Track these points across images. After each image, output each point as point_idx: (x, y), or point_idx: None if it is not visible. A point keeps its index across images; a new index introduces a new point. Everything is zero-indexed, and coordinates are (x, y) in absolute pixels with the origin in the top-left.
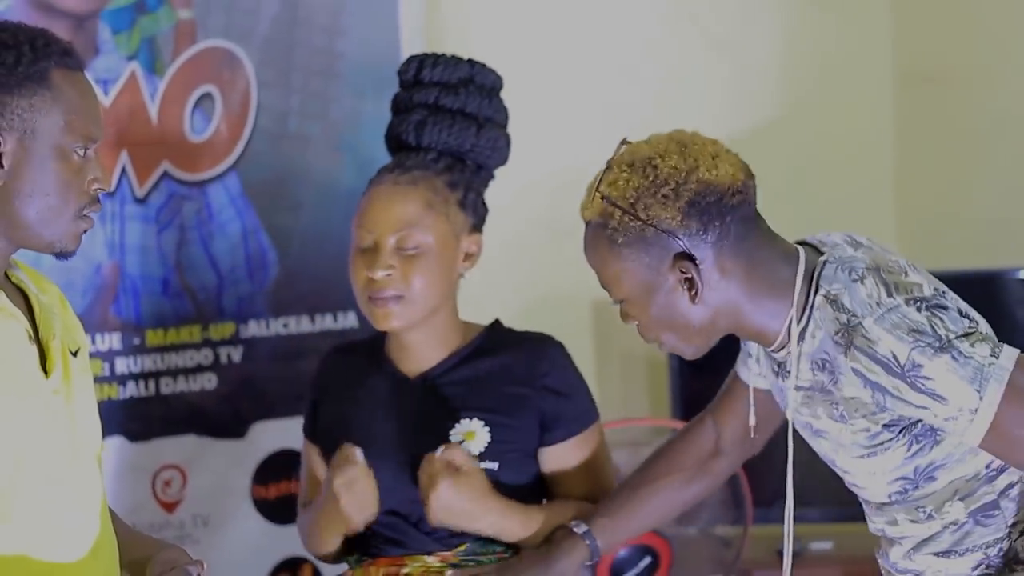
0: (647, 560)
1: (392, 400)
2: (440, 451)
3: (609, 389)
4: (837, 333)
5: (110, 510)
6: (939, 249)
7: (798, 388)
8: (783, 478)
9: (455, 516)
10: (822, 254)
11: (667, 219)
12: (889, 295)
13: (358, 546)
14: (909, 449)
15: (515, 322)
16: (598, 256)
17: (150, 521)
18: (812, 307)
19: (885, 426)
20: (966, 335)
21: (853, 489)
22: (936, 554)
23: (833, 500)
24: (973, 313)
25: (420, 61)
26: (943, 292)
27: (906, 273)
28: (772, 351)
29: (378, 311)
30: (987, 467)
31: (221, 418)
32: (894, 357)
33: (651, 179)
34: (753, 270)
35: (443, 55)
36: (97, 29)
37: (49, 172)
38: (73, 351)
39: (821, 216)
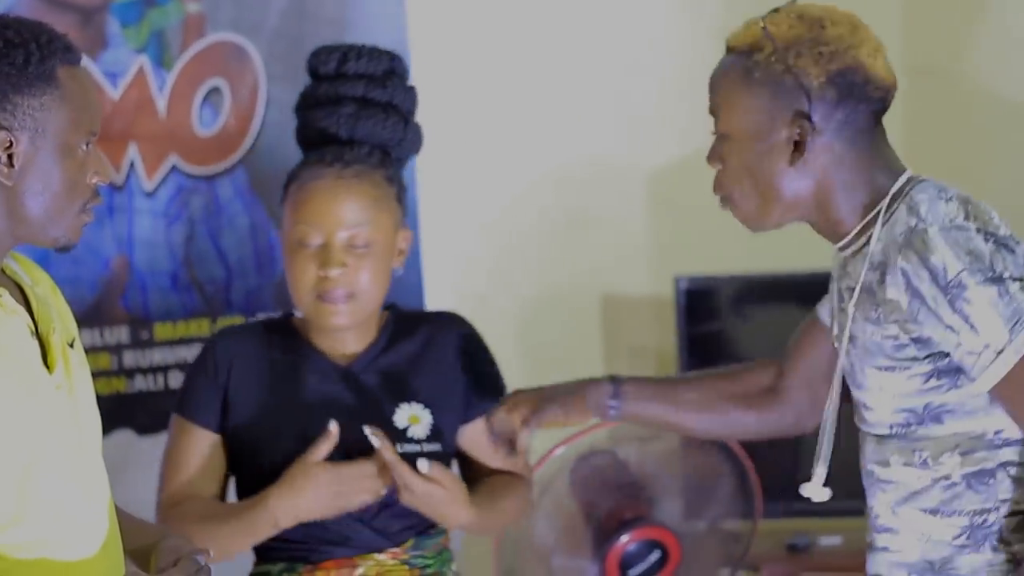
0: (656, 554)
1: (326, 390)
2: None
3: None
4: (901, 234)
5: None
6: None
7: (848, 288)
8: (793, 472)
9: (432, 511)
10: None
11: (810, 76)
12: (965, 219)
13: (281, 553)
14: (926, 381)
15: (525, 316)
16: (726, 82)
17: None
18: (893, 212)
19: (913, 340)
20: (1020, 280)
21: (860, 416)
22: (923, 510)
23: (842, 494)
24: None
25: (343, 53)
26: (1019, 241)
27: (992, 217)
28: (839, 247)
29: (329, 310)
30: (995, 433)
31: None
32: (944, 269)
33: (815, 35)
34: (860, 164)
35: (363, 46)
36: (106, 22)
37: (57, 169)
38: (69, 343)
39: None
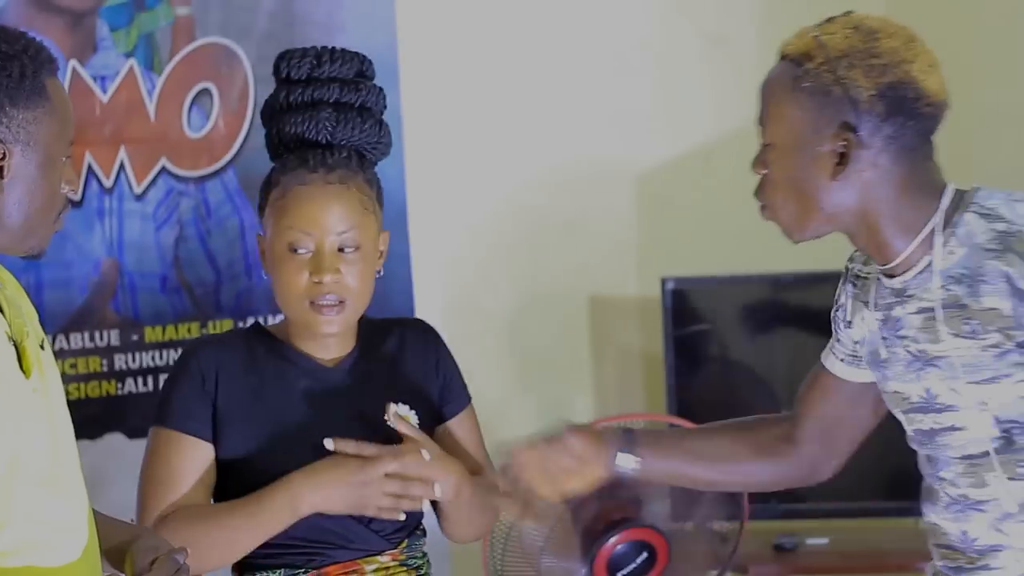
0: (644, 555)
1: (319, 391)
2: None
3: (605, 385)
4: (991, 240)
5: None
6: None
7: (920, 311)
8: None
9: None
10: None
11: (860, 88)
12: None
13: (277, 560)
14: None
15: (513, 318)
16: (774, 90)
17: None
18: (956, 225)
19: (1019, 345)
20: None
21: (941, 443)
22: None
23: (829, 496)
24: None
25: (316, 57)
26: None
27: None
28: (889, 274)
29: (321, 318)
30: None
31: None
32: None
33: (868, 46)
34: (907, 182)
35: (333, 49)
36: (96, 26)
37: (42, 181)
38: (40, 345)
39: None
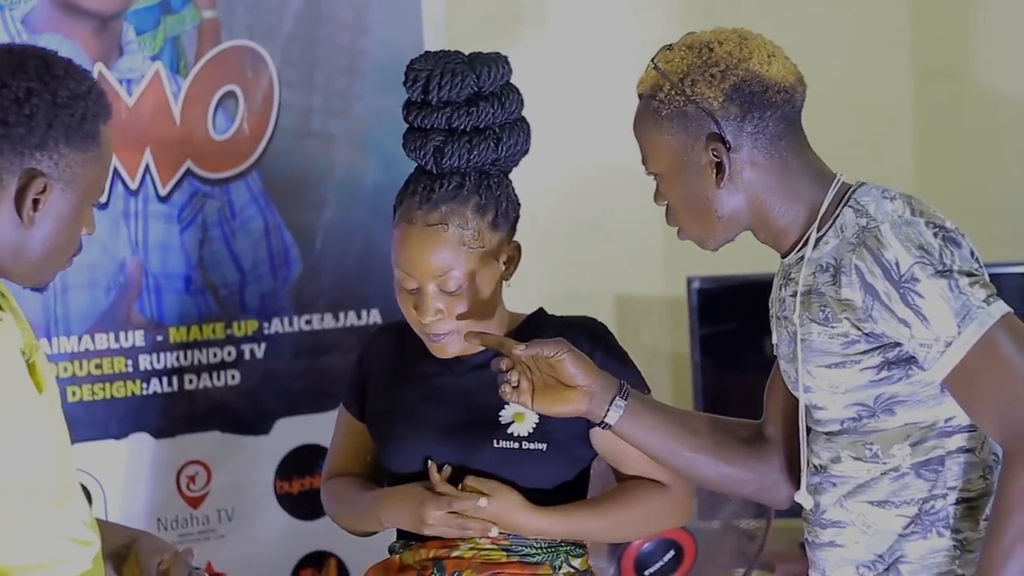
0: (671, 553)
1: (441, 382)
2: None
3: None
4: (855, 235)
5: None
6: None
7: (794, 295)
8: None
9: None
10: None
11: (709, 99)
12: (912, 214)
13: (403, 531)
14: (878, 373)
15: None
16: (642, 127)
17: (175, 516)
18: (836, 217)
19: (866, 335)
20: (969, 274)
21: (810, 417)
22: (871, 503)
23: None
24: (981, 266)
25: (426, 80)
26: (963, 234)
27: (935, 213)
28: (783, 256)
29: (435, 345)
30: (946, 420)
31: (245, 414)
32: (896, 264)
33: (704, 59)
34: (786, 171)
35: (446, 70)
36: (121, 29)
37: (71, 222)
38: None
39: None
